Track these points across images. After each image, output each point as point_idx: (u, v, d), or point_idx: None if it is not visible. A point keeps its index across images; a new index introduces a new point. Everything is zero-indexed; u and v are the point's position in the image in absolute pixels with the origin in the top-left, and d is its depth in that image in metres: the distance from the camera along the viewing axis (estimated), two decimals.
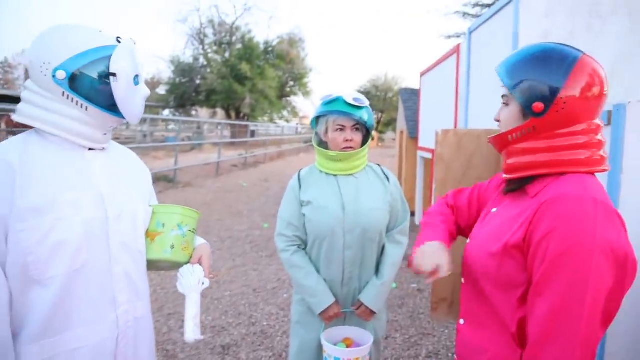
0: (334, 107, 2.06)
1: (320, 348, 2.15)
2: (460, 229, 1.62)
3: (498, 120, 1.31)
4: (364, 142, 2.15)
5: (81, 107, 1.30)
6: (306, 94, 39.31)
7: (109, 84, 1.31)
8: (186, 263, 1.57)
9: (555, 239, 1.09)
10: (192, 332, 1.47)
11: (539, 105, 1.17)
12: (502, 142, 1.28)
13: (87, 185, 1.34)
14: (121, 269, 1.39)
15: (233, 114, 34.72)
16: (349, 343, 2.08)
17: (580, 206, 1.09)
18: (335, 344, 2.05)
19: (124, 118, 1.39)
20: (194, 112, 38.53)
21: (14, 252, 1.21)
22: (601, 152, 1.20)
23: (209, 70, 33.32)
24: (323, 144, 2.18)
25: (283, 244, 2.19)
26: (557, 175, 1.19)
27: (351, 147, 2.08)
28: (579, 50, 1.21)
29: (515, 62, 1.24)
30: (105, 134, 1.40)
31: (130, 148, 1.69)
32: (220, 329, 3.94)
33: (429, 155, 7.03)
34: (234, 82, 31.65)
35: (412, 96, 9.78)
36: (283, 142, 27.61)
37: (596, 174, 1.21)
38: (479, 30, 4.38)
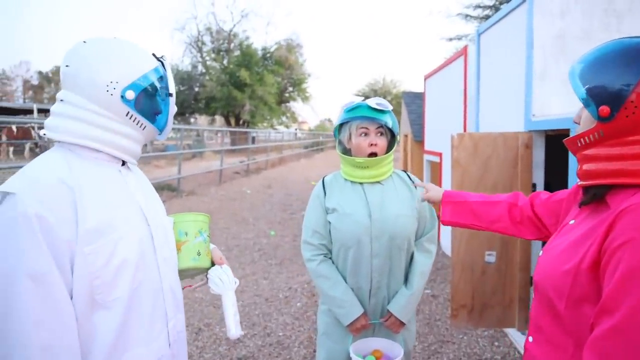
0: (356, 113, 2.03)
1: (348, 359, 2.10)
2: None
3: (577, 122, 1.22)
4: (389, 148, 2.11)
5: (140, 126, 1.32)
6: (305, 99, 39.32)
7: (167, 103, 1.37)
8: (209, 267, 1.60)
9: (631, 249, 0.99)
10: (234, 328, 1.52)
11: (605, 109, 1.08)
12: (572, 146, 1.20)
13: (130, 201, 1.32)
14: (168, 284, 1.38)
15: (233, 121, 34.71)
16: (378, 355, 2.02)
17: None
18: (364, 357, 1.99)
19: (160, 134, 1.42)
20: (192, 120, 38.53)
21: (81, 278, 1.15)
22: None
23: (207, 77, 33.33)
24: (347, 152, 2.15)
25: (309, 252, 2.14)
26: (639, 188, 1.07)
27: (376, 153, 2.04)
28: None
29: (589, 62, 1.14)
30: (140, 148, 1.40)
31: None
32: (236, 341, 3.88)
33: (435, 159, 6.99)
34: (233, 89, 31.65)
35: (415, 99, 9.76)
36: (283, 148, 27.58)
37: None
38: (489, 32, 4.35)
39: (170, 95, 1.36)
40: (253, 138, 27.13)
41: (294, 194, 12.42)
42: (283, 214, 9.58)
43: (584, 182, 1.17)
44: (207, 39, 35.22)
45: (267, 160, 21.10)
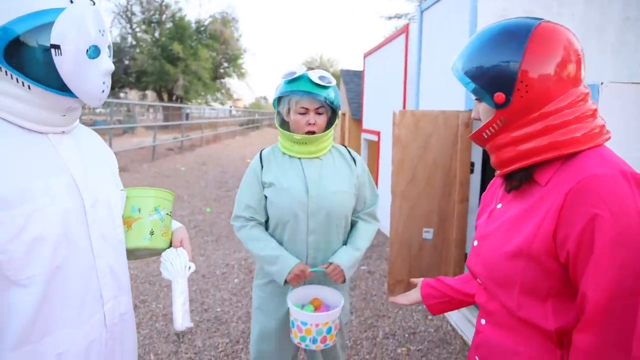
0: (297, 86, 1.93)
1: (281, 334, 2.09)
2: None
3: (477, 119, 1.19)
4: (330, 124, 2.06)
5: (22, 85, 1.08)
6: (241, 75, 38.69)
7: (48, 57, 1.07)
8: (166, 248, 1.45)
9: (600, 227, 0.97)
10: (182, 319, 1.38)
11: (499, 96, 1.06)
12: (479, 140, 1.18)
13: (57, 171, 1.15)
14: (104, 263, 1.24)
15: (165, 97, 33.58)
16: (317, 304, 1.96)
17: (613, 184, 0.97)
18: (302, 306, 1.94)
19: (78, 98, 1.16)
20: (122, 95, 36.93)
21: None
22: (598, 121, 1.07)
23: (138, 50, 31.92)
24: (285, 124, 2.09)
25: (239, 223, 2.08)
26: (564, 159, 1.06)
27: (314, 131, 1.99)
28: (536, 18, 1.07)
29: (467, 55, 1.12)
30: (64, 116, 1.18)
31: None
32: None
33: (373, 137, 7.06)
34: (165, 63, 30.55)
35: (354, 77, 9.80)
36: (218, 125, 27.03)
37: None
38: (432, 9, 4.39)
39: (55, 47, 1.06)
40: (187, 114, 26.36)
41: (229, 172, 12.24)
42: (218, 191, 9.42)
43: (506, 169, 1.14)
44: (136, 9, 33.63)
45: (201, 137, 20.63)
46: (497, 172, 1.19)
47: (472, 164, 3.43)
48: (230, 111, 40.72)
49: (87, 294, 1.20)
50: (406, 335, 3.65)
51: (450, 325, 3.81)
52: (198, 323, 3.70)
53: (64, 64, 1.08)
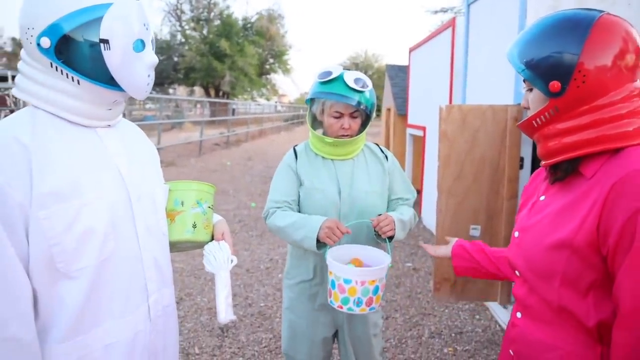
0: (332, 88, 1.86)
1: (312, 334, 2.05)
2: None
3: (527, 107, 1.20)
4: (364, 126, 2.00)
5: (72, 80, 1.11)
6: (286, 71, 38.95)
7: (97, 52, 1.09)
8: (208, 241, 1.46)
9: None
10: (225, 312, 1.40)
11: (555, 84, 1.05)
12: (528, 128, 1.18)
13: (104, 165, 1.18)
14: (149, 255, 1.26)
15: (212, 92, 34.21)
16: (358, 265, 1.79)
17: None
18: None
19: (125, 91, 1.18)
20: (171, 91, 37.84)
21: (37, 244, 1.06)
22: None
23: (187, 47, 32.66)
24: (317, 123, 2.05)
25: (273, 208, 2.00)
26: (611, 153, 1.06)
27: (348, 135, 1.94)
28: (597, 10, 1.07)
29: (525, 42, 1.12)
30: (110, 109, 1.21)
31: None
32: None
33: (419, 133, 6.95)
34: (213, 60, 31.14)
35: (399, 72, 9.68)
36: (264, 121, 27.30)
37: None
38: (479, 2, 4.27)
39: (104, 41, 1.08)
40: (233, 110, 26.77)
41: (274, 167, 12.16)
42: (264, 186, 9.50)
43: (552, 160, 1.14)
44: (186, 7, 34.49)
45: (247, 132, 20.89)
46: (543, 163, 1.19)
47: (522, 160, 3.31)
48: (276, 107, 41.06)
49: (133, 286, 1.22)
50: (452, 334, 3.56)
51: (499, 325, 3.70)
52: (242, 317, 3.73)
53: (112, 58, 1.10)
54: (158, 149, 11.62)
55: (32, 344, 1.06)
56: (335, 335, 2.14)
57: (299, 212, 2.01)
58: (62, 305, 1.10)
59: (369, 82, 1.91)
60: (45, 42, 1.06)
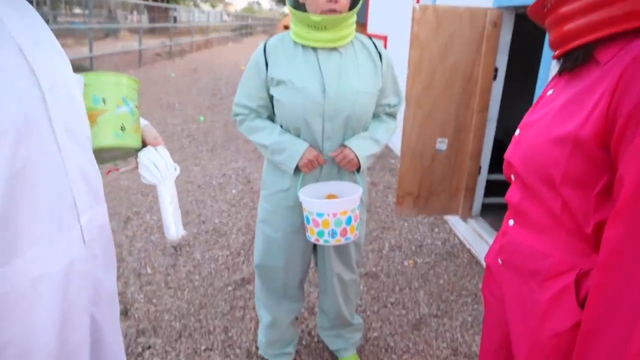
0: None
1: (289, 248, 1.92)
2: None
3: None
4: (353, 5, 1.71)
5: None
6: None
7: None
8: (140, 148, 1.23)
9: None
10: (175, 227, 1.23)
11: None
12: (538, 13, 1.05)
13: (2, 42, 0.85)
14: (74, 164, 0.96)
15: None
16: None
17: None
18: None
19: None
20: None
21: None
22: None
23: None
24: (300, 7, 1.72)
25: (240, 117, 1.86)
26: (633, 35, 0.91)
27: (335, 10, 1.63)
28: None
29: None
30: None
31: None
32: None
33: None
34: None
35: None
36: (209, 30, 25.84)
37: None
38: None
39: None
40: (175, 18, 25.06)
41: (222, 78, 11.75)
42: (212, 98, 9.03)
43: (567, 46, 0.99)
44: None
45: (191, 42, 19.74)
46: (555, 54, 1.05)
47: (496, 70, 3.12)
48: (222, 15, 38.92)
49: (59, 204, 0.94)
50: (412, 247, 3.52)
51: (458, 238, 3.69)
52: (196, 235, 3.53)
53: None
54: (90, 59, 10.79)
55: None
56: (315, 246, 2.03)
57: (273, 113, 1.82)
58: None
59: None
60: None
